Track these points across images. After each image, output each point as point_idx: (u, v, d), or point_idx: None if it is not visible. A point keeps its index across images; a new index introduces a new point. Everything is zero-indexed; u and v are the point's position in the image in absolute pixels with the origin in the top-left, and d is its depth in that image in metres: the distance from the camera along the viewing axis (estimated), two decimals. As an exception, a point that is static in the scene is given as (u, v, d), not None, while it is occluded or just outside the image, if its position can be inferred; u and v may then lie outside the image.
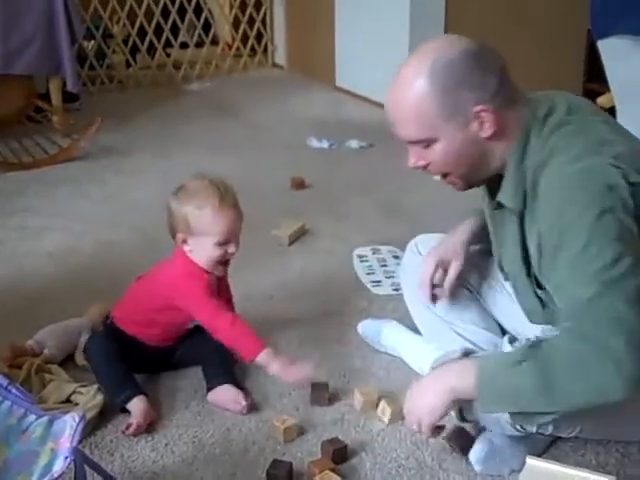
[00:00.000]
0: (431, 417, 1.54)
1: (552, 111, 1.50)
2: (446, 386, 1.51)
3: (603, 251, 1.35)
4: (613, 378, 1.33)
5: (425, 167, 1.56)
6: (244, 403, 1.82)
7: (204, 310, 1.86)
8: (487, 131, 1.48)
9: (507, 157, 1.51)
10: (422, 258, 1.91)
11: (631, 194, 1.37)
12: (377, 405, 1.82)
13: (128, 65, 5.65)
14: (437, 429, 1.60)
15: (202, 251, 1.87)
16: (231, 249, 1.87)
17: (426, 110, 1.46)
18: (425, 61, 1.46)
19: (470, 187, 1.61)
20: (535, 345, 1.43)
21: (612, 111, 2.76)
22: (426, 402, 1.54)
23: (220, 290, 1.98)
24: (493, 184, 1.60)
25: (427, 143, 1.51)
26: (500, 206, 1.58)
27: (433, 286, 1.85)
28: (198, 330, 1.99)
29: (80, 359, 2.01)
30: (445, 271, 1.84)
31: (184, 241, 1.87)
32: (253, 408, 1.84)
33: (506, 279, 1.77)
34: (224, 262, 1.91)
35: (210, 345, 1.93)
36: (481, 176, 1.58)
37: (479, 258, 1.89)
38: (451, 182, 1.59)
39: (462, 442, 1.65)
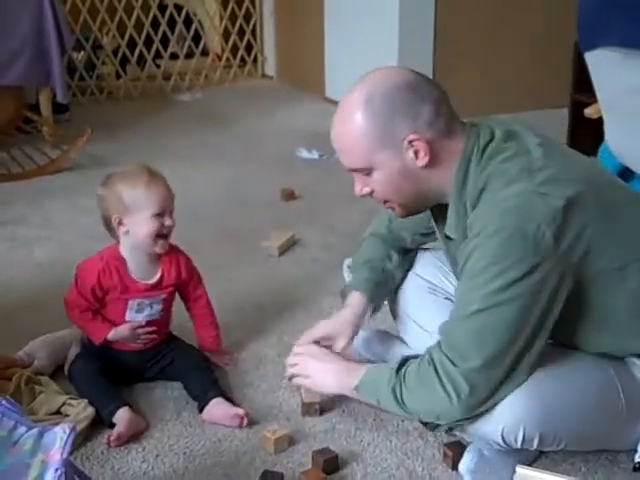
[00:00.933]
0: (316, 388, 1.77)
1: (491, 140, 1.53)
2: (335, 384, 1.71)
3: (500, 275, 1.41)
4: (451, 403, 1.47)
5: (370, 194, 1.61)
6: (241, 413, 1.81)
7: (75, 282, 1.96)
8: (422, 160, 1.51)
9: (448, 190, 1.55)
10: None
11: (550, 223, 1.40)
12: None
13: (118, 76, 5.65)
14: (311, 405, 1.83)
15: (139, 228, 1.89)
16: (167, 222, 1.90)
17: (362, 140, 1.52)
18: (362, 92, 1.52)
19: (409, 214, 1.67)
20: (409, 358, 1.58)
21: (600, 122, 2.78)
22: (323, 380, 1.73)
23: (175, 270, 1.99)
24: (440, 214, 1.65)
25: (367, 171, 1.56)
26: (448, 237, 1.63)
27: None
28: (176, 348, 2.01)
29: (70, 371, 2.01)
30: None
31: (120, 222, 1.90)
32: (249, 420, 1.83)
33: None
34: (163, 235, 1.92)
35: (189, 363, 1.96)
36: (421, 205, 1.64)
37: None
38: (391, 207, 1.64)
39: (456, 451, 1.66)
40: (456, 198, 1.54)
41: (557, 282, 1.44)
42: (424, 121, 1.50)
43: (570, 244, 1.43)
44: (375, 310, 1.99)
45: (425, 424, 1.73)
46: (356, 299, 1.92)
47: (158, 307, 1.98)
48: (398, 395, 1.54)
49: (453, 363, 1.46)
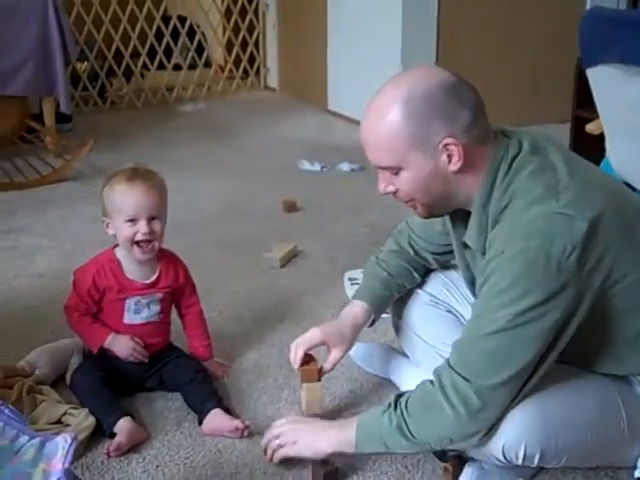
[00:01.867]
0: (307, 453, 1.65)
1: (519, 153, 1.51)
2: (325, 443, 1.62)
3: (520, 298, 1.40)
4: (461, 422, 1.44)
5: (394, 193, 1.57)
6: (241, 427, 1.81)
7: (73, 289, 1.99)
8: (455, 165, 1.48)
9: (473, 196, 1.53)
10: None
11: (575, 245, 1.38)
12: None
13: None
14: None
15: (118, 232, 1.91)
16: (143, 229, 1.87)
17: (397, 138, 1.47)
18: (402, 89, 1.47)
19: (431, 216, 1.64)
20: (402, 394, 1.54)
21: (601, 138, 2.79)
22: (302, 445, 1.65)
23: (173, 273, 2.00)
24: (459, 220, 1.63)
25: (396, 170, 1.52)
26: (466, 246, 1.61)
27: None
28: (175, 357, 2.02)
29: (71, 380, 2.02)
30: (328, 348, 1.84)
31: (107, 225, 1.93)
32: (249, 431, 1.83)
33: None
34: (140, 243, 1.90)
35: (187, 374, 1.96)
36: (444, 208, 1.60)
37: (460, 282, 1.91)
38: (413, 206, 1.60)
39: (456, 465, 1.66)
40: (480, 208, 1.52)
41: (576, 305, 1.42)
42: (461, 126, 1.46)
43: (593, 267, 1.41)
44: (372, 323, 1.95)
45: (435, 452, 1.70)
46: (359, 309, 1.88)
47: (156, 308, 1.99)
48: (405, 429, 1.49)
49: (466, 379, 1.43)
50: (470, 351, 1.47)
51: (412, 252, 1.92)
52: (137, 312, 1.97)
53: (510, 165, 1.49)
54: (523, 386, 1.46)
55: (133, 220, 1.88)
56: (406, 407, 1.50)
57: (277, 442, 1.68)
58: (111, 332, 1.96)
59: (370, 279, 1.93)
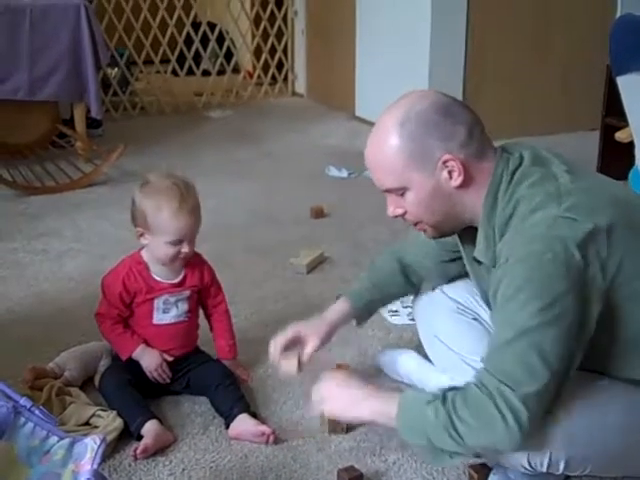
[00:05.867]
0: (338, 415, 1.67)
1: (520, 165, 1.53)
2: (366, 410, 1.57)
3: (532, 299, 1.40)
4: (509, 430, 1.39)
5: (403, 216, 1.61)
6: (267, 432, 1.83)
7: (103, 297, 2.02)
8: (456, 181, 1.52)
9: (479, 212, 1.55)
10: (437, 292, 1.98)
11: (579, 245, 1.40)
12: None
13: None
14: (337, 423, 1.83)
15: (156, 248, 1.94)
16: (184, 249, 1.92)
17: (396, 160, 1.52)
18: (397, 113, 1.53)
19: (441, 236, 1.67)
20: (451, 388, 1.48)
21: (630, 146, 2.77)
22: (343, 406, 1.62)
23: (199, 273, 2.04)
24: (468, 236, 1.65)
25: (401, 191, 1.56)
26: (477, 261, 1.62)
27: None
28: (202, 362, 2.04)
29: (100, 383, 2.04)
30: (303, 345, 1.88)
31: (142, 235, 1.95)
32: (275, 437, 1.84)
33: None
34: (178, 259, 1.96)
35: (215, 379, 1.98)
36: (452, 226, 1.63)
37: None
38: (422, 229, 1.64)
39: (481, 472, 1.66)
40: (485, 222, 1.54)
41: (588, 304, 1.42)
42: (458, 142, 1.51)
43: (600, 267, 1.42)
44: (359, 324, 2.00)
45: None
46: (341, 307, 1.94)
47: (184, 307, 2.01)
48: (452, 430, 1.43)
49: (511, 388, 1.40)
50: (502, 360, 1.44)
51: (409, 263, 1.96)
52: (166, 311, 1.99)
53: (512, 177, 1.52)
54: (558, 393, 1.44)
55: (178, 241, 1.91)
56: (455, 408, 1.43)
57: (323, 407, 1.67)
58: (141, 343, 1.98)
59: (362, 281, 1.99)
